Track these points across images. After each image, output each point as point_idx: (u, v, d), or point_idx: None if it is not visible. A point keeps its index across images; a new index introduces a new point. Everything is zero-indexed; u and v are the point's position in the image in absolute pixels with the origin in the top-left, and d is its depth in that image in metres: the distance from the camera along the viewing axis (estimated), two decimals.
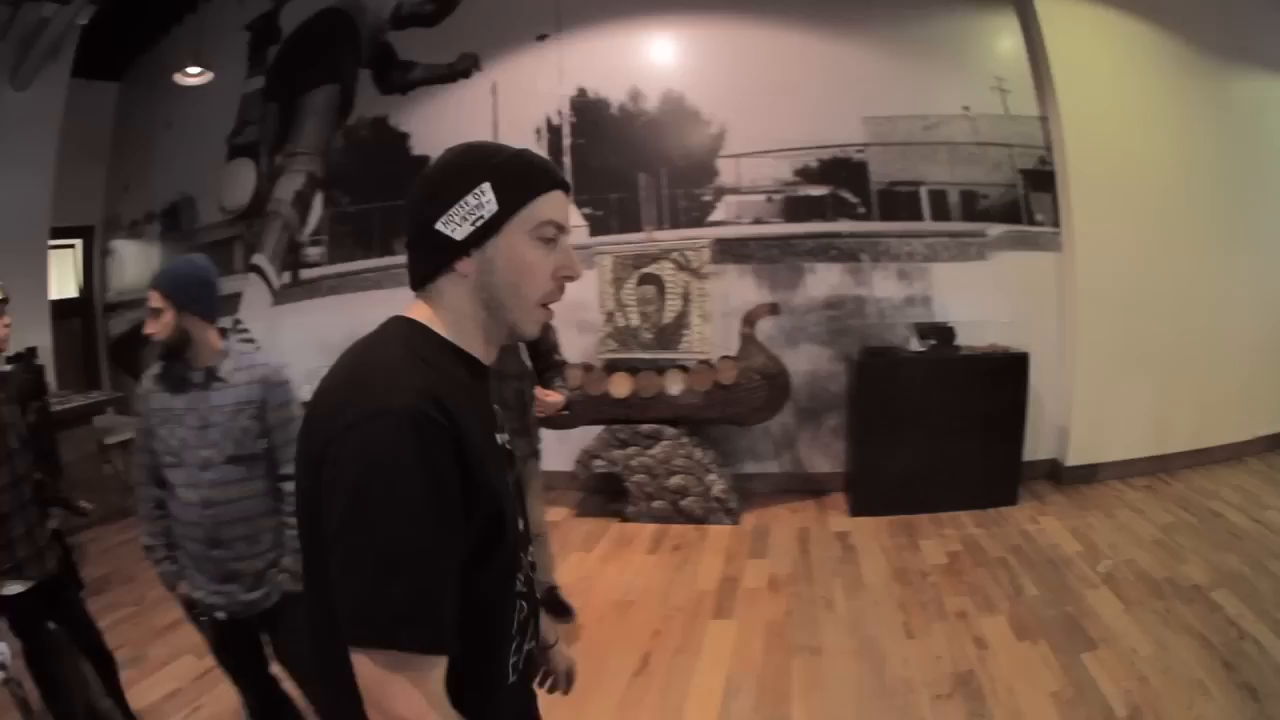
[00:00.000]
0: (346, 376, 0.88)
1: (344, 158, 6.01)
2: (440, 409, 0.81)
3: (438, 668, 0.79)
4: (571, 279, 0.95)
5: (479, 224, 0.89)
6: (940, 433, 4.64)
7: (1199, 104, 5.45)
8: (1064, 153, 5.05)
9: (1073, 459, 5.25)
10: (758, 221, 5.28)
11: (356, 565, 0.76)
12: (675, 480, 4.73)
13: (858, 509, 4.77)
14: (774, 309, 4.91)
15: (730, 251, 5.22)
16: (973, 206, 5.16)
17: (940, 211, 5.16)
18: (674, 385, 4.74)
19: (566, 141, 5.49)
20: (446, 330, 0.94)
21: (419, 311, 0.95)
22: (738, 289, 5.21)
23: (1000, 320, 5.07)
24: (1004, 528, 4.59)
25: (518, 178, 0.92)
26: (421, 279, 0.95)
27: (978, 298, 5.13)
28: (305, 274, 6.08)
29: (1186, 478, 5.46)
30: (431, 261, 0.93)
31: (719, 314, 4.95)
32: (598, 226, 5.43)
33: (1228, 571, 3.88)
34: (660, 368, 4.79)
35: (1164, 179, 5.27)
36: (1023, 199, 5.23)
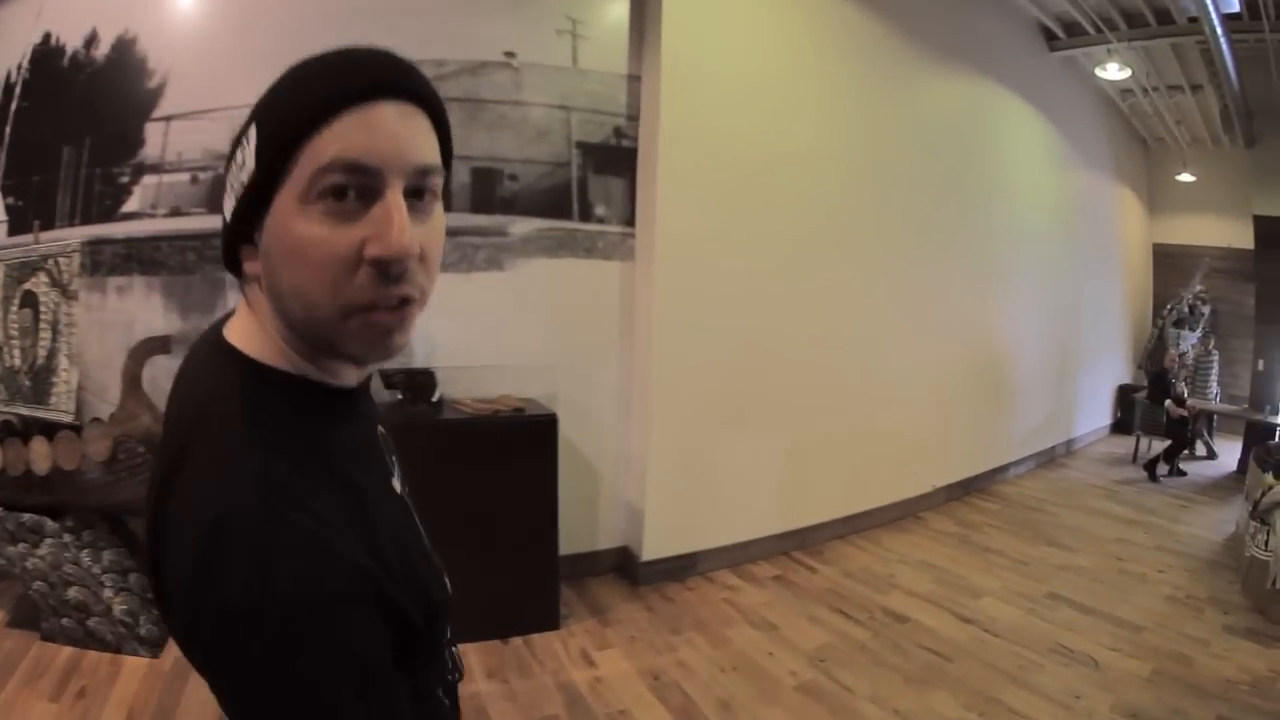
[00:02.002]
0: (190, 499, 0.55)
1: None
2: (344, 563, 0.53)
3: None
4: (384, 261, 0.54)
5: (239, 194, 0.58)
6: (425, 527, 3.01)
7: (879, 97, 4.32)
8: (657, 125, 3.54)
9: (651, 550, 3.57)
10: (175, 213, 3.48)
11: None
12: (73, 593, 3.07)
13: None
14: (164, 345, 3.16)
15: (139, 257, 3.43)
16: (490, 192, 3.48)
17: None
18: (40, 459, 3.09)
19: (14, 105, 3.68)
20: (275, 355, 0.61)
21: (237, 327, 0.63)
22: (144, 313, 3.42)
23: (525, 362, 3.45)
24: (533, 677, 2.80)
25: (286, 103, 0.56)
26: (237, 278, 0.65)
27: (488, 328, 3.43)
28: None
29: (842, 555, 4.02)
30: (223, 256, 0.64)
31: (117, 350, 3.24)
32: (19, 223, 3.60)
33: None
34: (30, 432, 3.19)
35: (807, 179, 3.97)
36: (576, 184, 3.66)
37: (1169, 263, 9.66)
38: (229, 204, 0.60)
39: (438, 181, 0.60)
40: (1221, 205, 8.88)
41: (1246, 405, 7.41)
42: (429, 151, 0.58)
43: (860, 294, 4.25)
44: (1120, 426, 8.53)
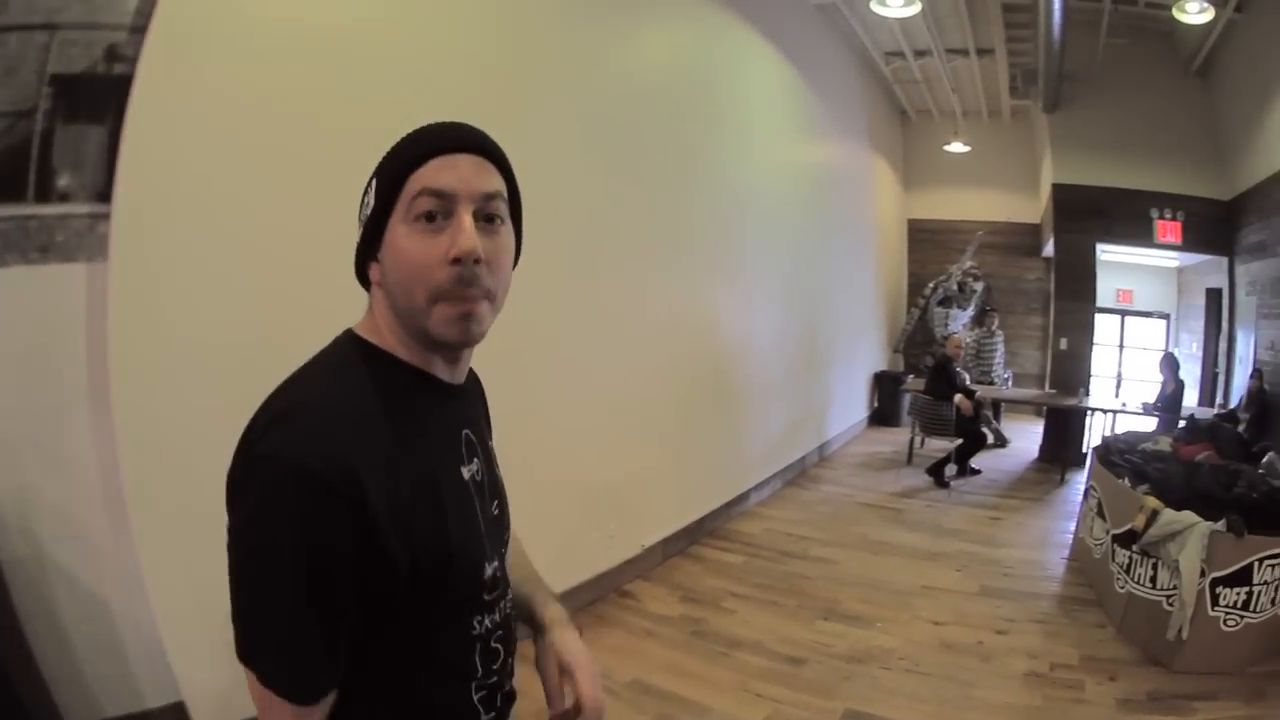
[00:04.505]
0: (269, 400, 0.74)
1: None
2: (337, 464, 0.67)
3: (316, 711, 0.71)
4: (459, 260, 0.74)
5: (365, 224, 0.80)
6: None
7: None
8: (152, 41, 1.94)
9: (203, 710, 1.92)
10: None
11: (236, 595, 0.69)
12: None
13: None
14: None
15: None
16: None
17: None
18: None
19: None
20: (389, 344, 0.80)
21: (360, 323, 0.83)
22: None
23: None
24: None
25: (392, 160, 0.79)
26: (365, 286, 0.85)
27: None
28: None
29: None
30: (356, 269, 0.85)
31: None
32: None
33: None
34: None
35: (429, 120, 2.44)
36: (39, 141, 1.91)
37: (928, 239, 9.14)
38: (360, 233, 0.80)
39: (501, 205, 0.79)
40: (999, 177, 8.42)
41: (1053, 390, 6.75)
42: (494, 181, 0.79)
43: (517, 300, 2.83)
44: (879, 418, 7.81)
